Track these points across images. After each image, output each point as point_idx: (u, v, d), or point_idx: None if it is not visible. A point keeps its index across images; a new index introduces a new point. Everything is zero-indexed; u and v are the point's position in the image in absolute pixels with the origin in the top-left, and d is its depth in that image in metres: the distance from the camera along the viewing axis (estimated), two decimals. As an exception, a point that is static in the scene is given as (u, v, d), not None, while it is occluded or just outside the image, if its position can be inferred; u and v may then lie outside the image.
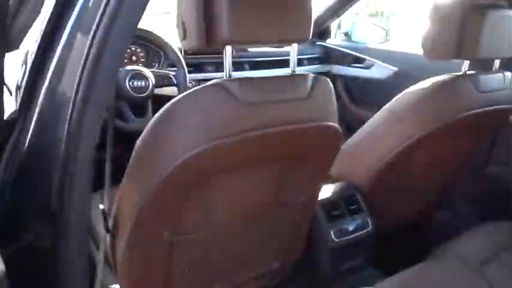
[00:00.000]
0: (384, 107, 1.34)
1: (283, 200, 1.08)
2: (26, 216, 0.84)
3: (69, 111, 0.78)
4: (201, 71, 1.83)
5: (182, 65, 1.60)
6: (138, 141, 0.90)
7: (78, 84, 0.78)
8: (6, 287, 0.77)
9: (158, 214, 0.92)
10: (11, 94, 0.91)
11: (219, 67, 1.86)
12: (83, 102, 0.78)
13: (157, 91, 1.55)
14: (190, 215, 0.96)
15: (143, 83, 1.46)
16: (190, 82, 1.63)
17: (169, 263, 1.00)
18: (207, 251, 1.04)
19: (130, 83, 1.44)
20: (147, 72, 1.49)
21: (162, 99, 1.62)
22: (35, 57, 0.86)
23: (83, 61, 0.78)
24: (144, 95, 1.47)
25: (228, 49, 0.86)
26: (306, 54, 2.16)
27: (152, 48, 1.66)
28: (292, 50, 0.96)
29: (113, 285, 1.17)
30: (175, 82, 1.59)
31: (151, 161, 0.88)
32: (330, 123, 0.97)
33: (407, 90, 1.30)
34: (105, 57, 0.78)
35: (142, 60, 1.65)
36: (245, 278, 1.17)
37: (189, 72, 1.64)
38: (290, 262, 1.24)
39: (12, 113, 0.85)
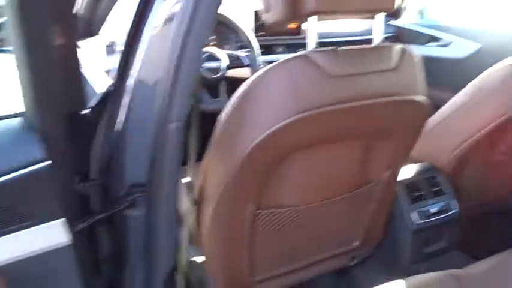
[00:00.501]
0: (469, 84, 1.26)
1: (365, 178, 1.06)
2: (120, 185, 0.87)
3: (161, 90, 0.80)
4: (271, 52, 1.82)
5: (254, 46, 1.60)
6: (222, 117, 0.90)
7: (168, 67, 0.80)
8: (73, 259, 0.80)
9: (242, 188, 0.92)
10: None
11: (289, 48, 1.85)
12: (173, 79, 0.80)
13: (229, 73, 1.57)
14: (272, 190, 0.95)
15: (216, 64, 1.48)
16: (261, 64, 1.63)
17: (252, 236, 1.00)
18: (287, 227, 1.03)
19: (205, 64, 1.46)
20: (220, 53, 1.51)
21: (234, 81, 1.64)
22: (125, 44, 0.89)
23: (170, 46, 0.80)
24: (217, 75, 1.49)
25: (313, 20, 0.84)
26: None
27: (223, 29, 1.67)
28: (377, 20, 0.92)
29: (195, 258, 1.20)
30: (246, 63, 1.60)
31: (235, 135, 0.88)
32: (418, 97, 0.93)
33: (495, 66, 1.22)
34: (190, 41, 0.79)
35: (213, 42, 1.67)
36: (324, 255, 1.16)
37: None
38: (370, 243, 1.21)
39: (108, 87, 0.88)
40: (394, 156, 1.05)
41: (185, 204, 1.01)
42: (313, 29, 0.86)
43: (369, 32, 0.95)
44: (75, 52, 0.74)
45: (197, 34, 0.80)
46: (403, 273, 1.14)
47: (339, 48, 0.87)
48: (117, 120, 0.87)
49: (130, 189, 0.88)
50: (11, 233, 0.68)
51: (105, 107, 0.87)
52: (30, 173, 0.66)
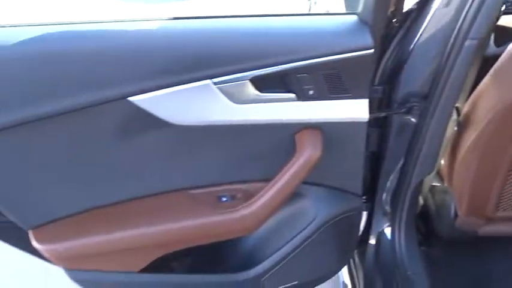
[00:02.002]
0: None
1: None
2: (400, 92, 1.01)
3: (466, 8, 0.88)
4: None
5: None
6: (510, 48, 0.94)
7: None
8: (363, 135, 0.98)
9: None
10: None
11: None
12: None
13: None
14: None
15: None
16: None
17: (510, 171, 1.03)
18: None
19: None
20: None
21: (501, 29, 1.58)
22: None
23: None
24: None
25: None
26: None
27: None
28: None
29: (437, 184, 1.30)
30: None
31: None
32: None
33: None
34: None
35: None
36: None
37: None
38: None
39: (412, 5, 1.01)
40: None
41: (450, 126, 1.10)
42: None
43: None
44: None
45: None
46: None
47: None
48: (411, 37, 1.00)
49: (409, 97, 1.01)
50: (333, 99, 0.91)
51: (404, 24, 1.01)
52: (357, 56, 0.86)
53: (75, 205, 0.93)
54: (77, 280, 0.96)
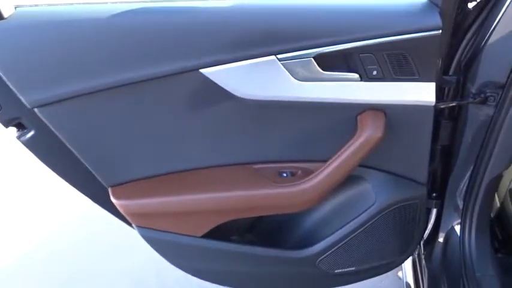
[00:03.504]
0: None
1: None
2: (475, 82, 0.97)
3: None
4: None
5: None
6: None
7: None
8: (431, 119, 0.95)
9: None
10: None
11: None
12: None
13: None
14: None
15: None
16: None
17: None
18: None
19: None
20: None
21: None
22: None
23: None
24: None
25: None
26: None
27: None
28: None
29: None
30: None
31: None
32: None
33: None
34: None
35: None
36: None
37: None
38: None
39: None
40: None
41: None
42: None
43: None
44: None
45: None
46: None
47: None
48: (488, 26, 0.96)
49: (484, 88, 0.97)
50: (398, 81, 0.90)
51: (481, 13, 0.97)
52: (425, 36, 0.84)
53: (150, 169, 1.02)
54: (144, 237, 1.05)
